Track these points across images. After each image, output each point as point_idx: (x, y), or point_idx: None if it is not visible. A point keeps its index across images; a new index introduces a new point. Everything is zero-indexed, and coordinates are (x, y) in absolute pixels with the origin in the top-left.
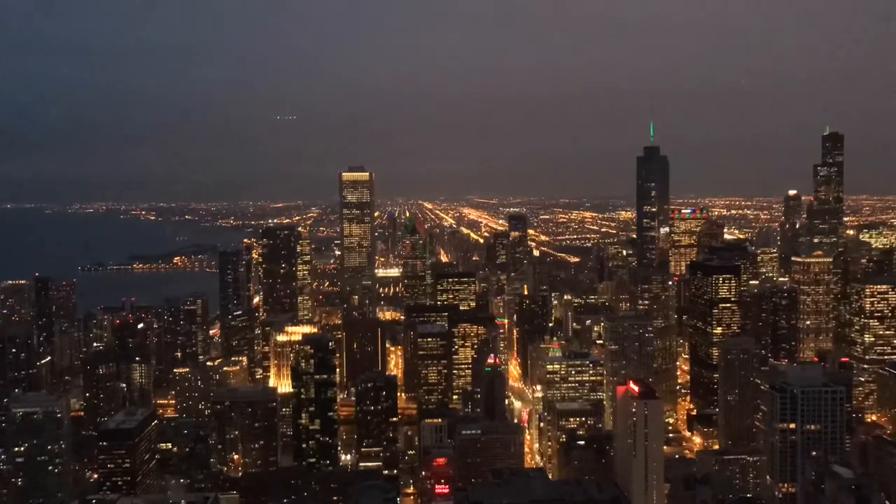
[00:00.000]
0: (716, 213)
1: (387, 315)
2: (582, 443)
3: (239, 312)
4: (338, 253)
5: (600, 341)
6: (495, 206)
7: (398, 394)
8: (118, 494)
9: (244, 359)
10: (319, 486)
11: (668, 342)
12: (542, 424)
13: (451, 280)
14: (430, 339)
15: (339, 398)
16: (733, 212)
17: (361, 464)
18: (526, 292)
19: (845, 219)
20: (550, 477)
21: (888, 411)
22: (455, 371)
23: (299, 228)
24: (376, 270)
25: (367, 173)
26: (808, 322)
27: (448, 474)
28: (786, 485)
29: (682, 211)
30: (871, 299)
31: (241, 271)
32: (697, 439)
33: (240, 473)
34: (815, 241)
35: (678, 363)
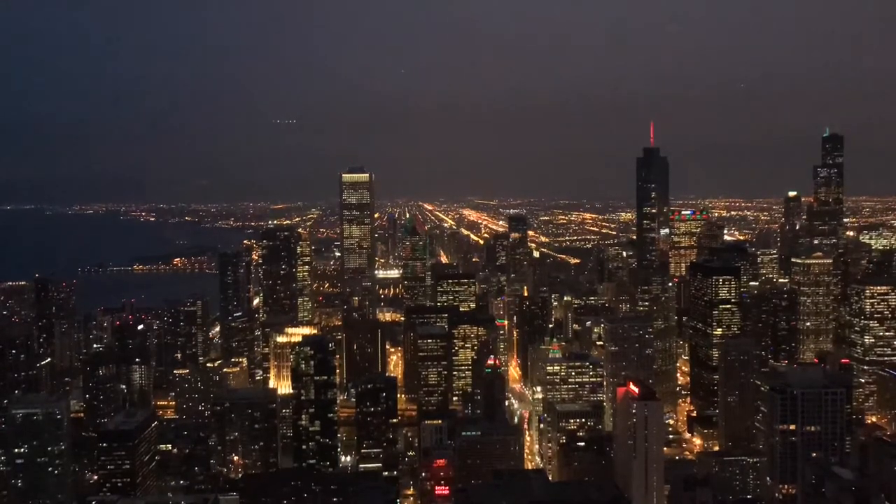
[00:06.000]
0: (716, 214)
1: (387, 316)
2: (582, 444)
3: (239, 314)
4: (338, 254)
5: (600, 343)
6: (495, 208)
7: (398, 395)
8: (118, 496)
9: (244, 360)
10: (319, 487)
11: (668, 343)
12: (542, 426)
13: (451, 281)
14: (429, 341)
15: (339, 399)
16: (733, 213)
17: (361, 465)
18: (526, 293)
19: (845, 220)
20: (550, 478)
21: (888, 413)
22: (455, 372)
23: (299, 230)
24: (376, 272)
25: (367, 175)
26: (808, 323)
27: (448, 475)
28: (786, 486)
29: (682, 212)
30: (872, 301)
31: (241, 273)
32: (697, 441)
33: (240, 475)
34: (815, 242)
35: (678, 364)
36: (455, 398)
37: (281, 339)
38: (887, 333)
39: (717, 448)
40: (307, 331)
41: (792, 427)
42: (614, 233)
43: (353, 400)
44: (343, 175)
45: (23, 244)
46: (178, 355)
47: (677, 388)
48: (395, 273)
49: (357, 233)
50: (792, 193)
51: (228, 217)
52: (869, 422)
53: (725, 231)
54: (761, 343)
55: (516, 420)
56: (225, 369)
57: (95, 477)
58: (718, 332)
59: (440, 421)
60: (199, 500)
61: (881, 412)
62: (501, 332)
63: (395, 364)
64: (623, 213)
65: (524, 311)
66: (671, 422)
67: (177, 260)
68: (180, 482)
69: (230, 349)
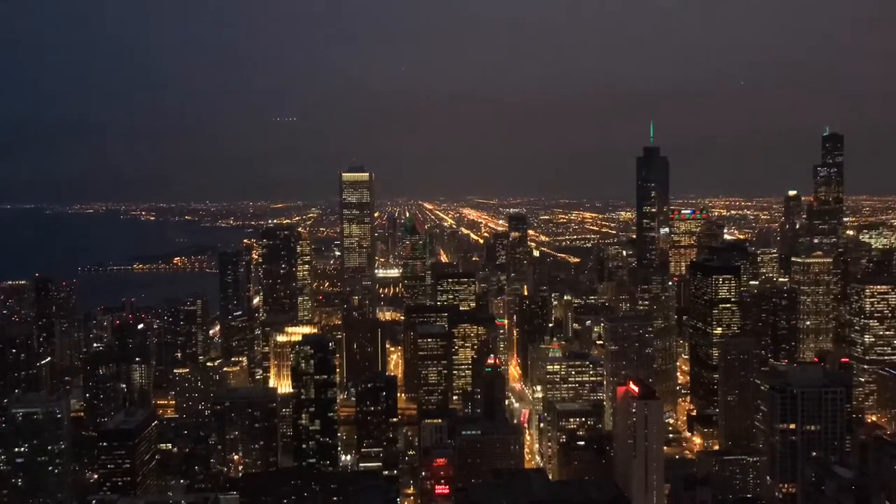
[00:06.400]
0: (716, 213)
1: (387, 315)
2: (582, 443)
3: (239, 313)
4: (338, 253)
5: (600, 342)
6: (495, 207)
7: (398, 394)
8: (118, 495)
9: (244, 359)
10: (319, 486)
11: (668, 343)
12: (542, 425)
13: (451, 280)
14: (430, 340)
15: (340, 398)
16: (733, 212)
17: (361, 464)
18: (526, 293)
19: (845, 219)
20: (550, 477)
21: (888, 412)
22: (455, 371)
23: (299, 229)
24: (376, 271)
25: (367, 174)
26: (808, 322)
27: (448, 475)
28: (786, 485)
29: (682, 211)
30: (871, 300)
31: (241, 272)
32: (697, 440)
33: (240, 474)
34: (815, 241)
35: (678, 364)
36: (455, 397)
37: (281, 338)
38: (887, 332)
39: (717, 447)
40: (307, 330)
41: (792, 426)
42: (614, 232)
43: (353, 399)
44: (343, 174)
45: (23, 244)
46: (178, 354)
47: (677, 388)
48: (394, 272)
49: (357, 232)
50: (792, 192)
51: (228, 216)
52: (869, 421)
53: (725, 230)
54: (761, 342)
55: (516, 419)
56: (225, 368)
57: (96, 476)
58: (718, 331)
59: (440, 420)
60: (200, 500)
61: (881, 411)
62: (501, 331)
63: (395, 363)
64: (623, 213)
65: (524, 310)
66: (671, 421)
67: (177, 259)
68: (180, 481)
69: (230, 348)
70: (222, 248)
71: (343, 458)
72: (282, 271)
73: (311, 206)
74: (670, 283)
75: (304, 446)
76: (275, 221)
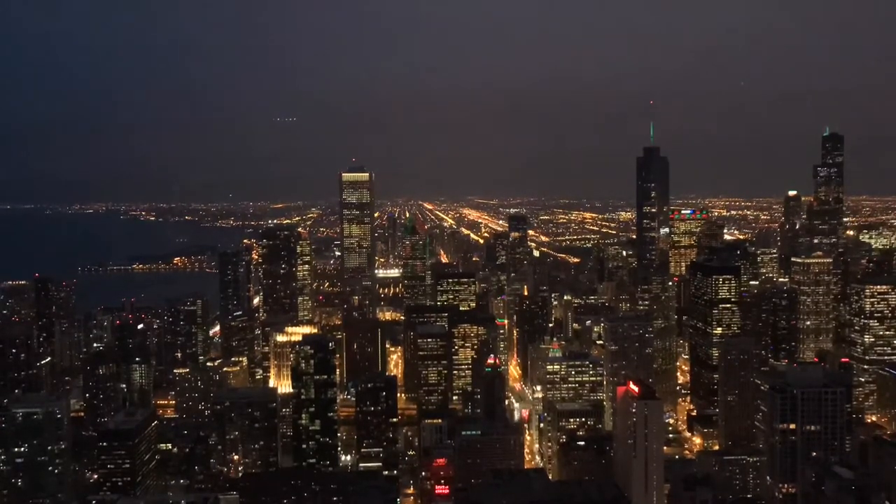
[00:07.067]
0: (716, 213)
1: (387, 315)
2: (582, 443)
3: (239, 313)
4: (338, 253)
5: (600, 342)
6: (495, 207)
7: (398, 394)
8: (118, 495)
9: (244, 359)
10: (319, 486)
11: (668, 343)
12: (542, 425)
13: (451, 280)
14: (430, 340)
15: (340, 398)
16: (733, 212)
17: (361, 464)
18: (526, 293)
19: (845, 219)
20: (550, 477)
21: (888, 412)
22: (455, 371)
23: (299, 229)
24: (376, 271)
25: (367, 174)
26: (808, 322)
27: (448, 475)
28: (786, 485)
29: (682, 211)
30: (871, 300)
31: (241, 272)
32: (697, 440)
33: (240, 474)
34: (815, 241)
35: (678, 364)
36: (455, 397)
37: (281, 338)
38: (887, 332)
39: (717, 447)
40: (307, 330)
41: (792, 426)
42: (614, 232)
43: (354, 399)
44: (343, 174)
45: (23, 244)
46: (179, 354)
47: (677, 388)
48: (395, 272)
49: (357, 232)
50: (792, 193)
51: (228, 216)
52: (869, 421)
53: (725, 230)
54: (761, 342)
55: (516, 419)
56: (225, 368)
57: (95, 476)
58: (718, 331)
59: (440, 420)
60: (200, 500)
61: (881, 411)
62: (501, 331)
63: (396, 363)
64: (623, 213)
65: (524, 310)
66: (671, 421)
67: (177, 259)
68: (180, 481)
69: (230, 348)
70: (222, 248)
71: (343, 458)
72: (282, 271)
73: (311, 206)
74: (670, 284)
75: (304, 446)
76: (275, 221)
